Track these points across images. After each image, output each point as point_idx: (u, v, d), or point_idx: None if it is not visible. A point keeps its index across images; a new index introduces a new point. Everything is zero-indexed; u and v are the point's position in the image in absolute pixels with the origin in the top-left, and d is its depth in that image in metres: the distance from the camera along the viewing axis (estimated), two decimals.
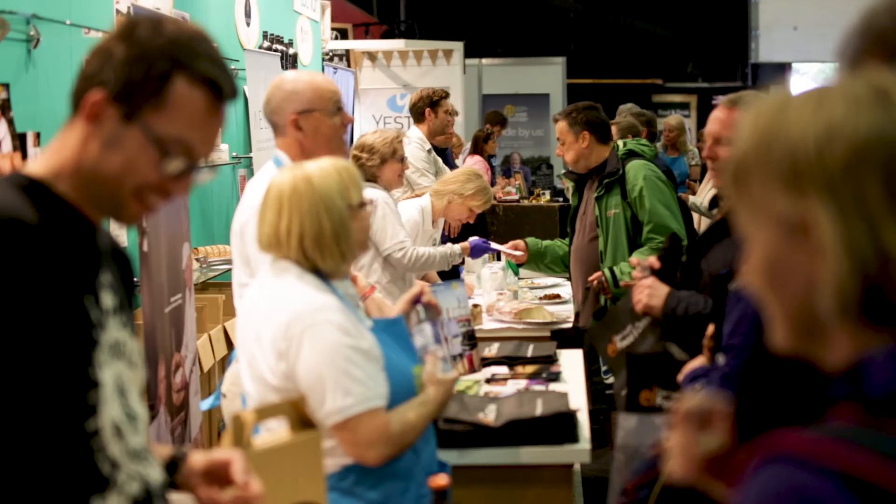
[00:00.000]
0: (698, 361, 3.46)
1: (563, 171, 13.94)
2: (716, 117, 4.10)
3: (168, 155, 2.08)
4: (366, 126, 12.17)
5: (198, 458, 2.39)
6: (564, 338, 5.97)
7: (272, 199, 3.33)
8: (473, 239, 6.59)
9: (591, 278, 6.09)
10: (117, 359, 2.14)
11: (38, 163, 2.14)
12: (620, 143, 6.37)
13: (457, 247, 6.26)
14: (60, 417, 1.99)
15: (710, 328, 3.39)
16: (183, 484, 2.39)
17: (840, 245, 1.30)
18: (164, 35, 2.09)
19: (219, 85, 2.11)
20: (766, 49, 20.86)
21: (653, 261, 4.34)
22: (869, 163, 1.30)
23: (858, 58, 2.03)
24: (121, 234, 5.58)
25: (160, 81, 2.06)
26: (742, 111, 3.97)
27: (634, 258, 4.49)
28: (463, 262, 7.82)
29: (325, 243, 3.28)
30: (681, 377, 3.46)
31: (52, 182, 2.09)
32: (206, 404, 4.45)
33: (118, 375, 2.13)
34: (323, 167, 3.35)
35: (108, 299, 2.14)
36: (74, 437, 2.01)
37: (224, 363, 5.78)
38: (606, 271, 6.00)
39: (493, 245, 6.77)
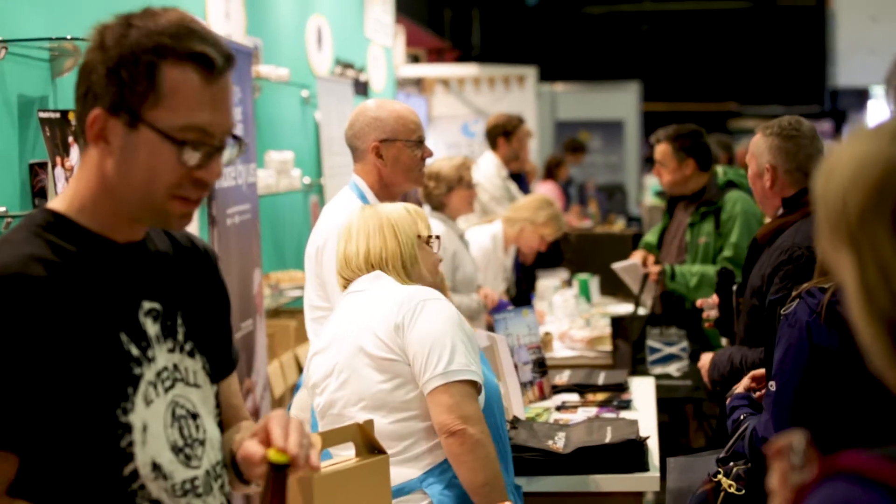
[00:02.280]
0: (741, 387, 3.45)
1: (654, 192, 13.87)
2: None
3: (184, 145, 2.00)
4: (439, 153, 12.20)
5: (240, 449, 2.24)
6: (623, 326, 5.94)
7: (346, 230, 3.53)
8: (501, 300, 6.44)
9: (651, 271, 6.04)
10: (174, 385, 2.13)
11: (61, 198, 2.10)
12: (720, 170, 6.28)
13: (479, 301, 6.13)
14: (92, 468, 2.00)
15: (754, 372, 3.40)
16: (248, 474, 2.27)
17: (860, 294, 1.36)
18: (136, 29, 1.99)
19: (207, 56, 2.01)
20: (844, 73, 20.63)
21: (714, 298, 4.63)
22: (879, 207, 1.34)
23: None
24: None
25: (149, 76, 1.98)
26: (769, 137, 4.03)
27: (700, 300, 4.67)
28: (534, 290, 7.79)
29: (397, 262, 3.45)
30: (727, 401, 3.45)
31: (75, 216, 2.06)
32: None
33: (174, 403, 2.12)
34: (391, 205, 3.58)
35: (150, 328, 2.11)
36: (110, 484, 2.01)
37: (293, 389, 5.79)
38: (667, 267, 5.96)
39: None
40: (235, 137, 2.12)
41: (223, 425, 2.34)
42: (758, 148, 4.06)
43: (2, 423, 1.91)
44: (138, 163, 2.00)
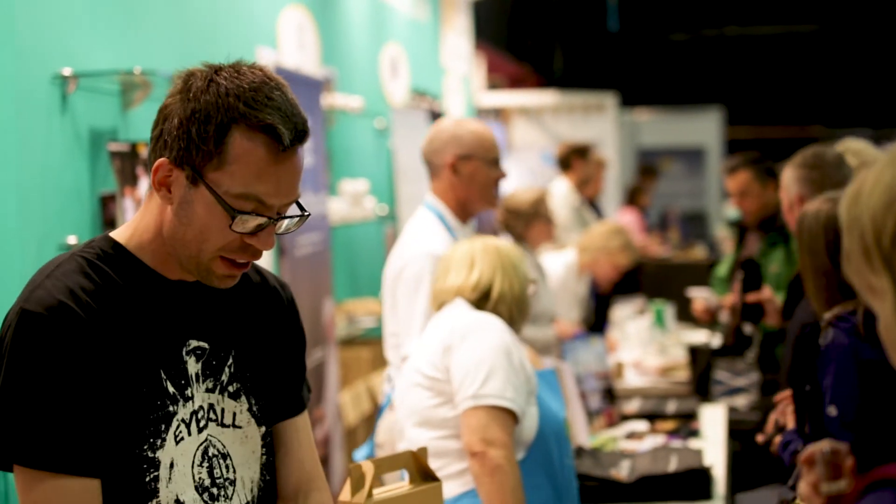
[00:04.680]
0: (769, 426, 3.41)
1: (727, 222, 13.77)
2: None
3: (237, 214, 2.00)
4: (518, 181, 12.18)
5: None
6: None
7: (461, 256, 3.57)
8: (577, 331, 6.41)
9: (726, 302, 6.00)
10: (207, 424, 2.14)
11: (124, 229, 2.14)
12: None
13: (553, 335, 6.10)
14: (117, 502, 2.01)
15: (786, 392, 3.37)
16: None
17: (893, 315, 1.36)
18: (219, 86, 2.00)
19: (277, 131, 1.99)
20: None
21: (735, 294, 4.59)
22: None
23: None
24: None
25: (218, 138, 1.99)
26: (794, 168, 4.03)
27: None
28: (606, 319, 7.75)
29: (506, 300, 3.52)
30: (775, 448, 3.41)
31: (134, 250, 2.10)
32: (360, 454, 4.48)
33: (207, 442, 2.14)
34: (502, 241, 3.69)
35: (191, 367, 2.13)
36: None
37: (373, 417, 5.80)
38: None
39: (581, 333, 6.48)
40: (301, 207, 2.12)
41: (285, 475, 2.33)
42: (785, 181, 4.10)
43: (82, 450, 1.95)
44: (193, 218, 2.02)
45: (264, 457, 2.27)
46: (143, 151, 4.18)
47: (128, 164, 4.07)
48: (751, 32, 22.61)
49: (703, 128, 19.14)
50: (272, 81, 2.05)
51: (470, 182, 4.16)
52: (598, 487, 3.93)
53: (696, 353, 5.85)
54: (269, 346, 2.29)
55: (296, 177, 2.07)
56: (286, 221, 2.09)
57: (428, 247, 4.01)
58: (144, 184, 4.15)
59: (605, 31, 21.62)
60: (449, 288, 3.53)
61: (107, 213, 4.02)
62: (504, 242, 3.64)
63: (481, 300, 3.49)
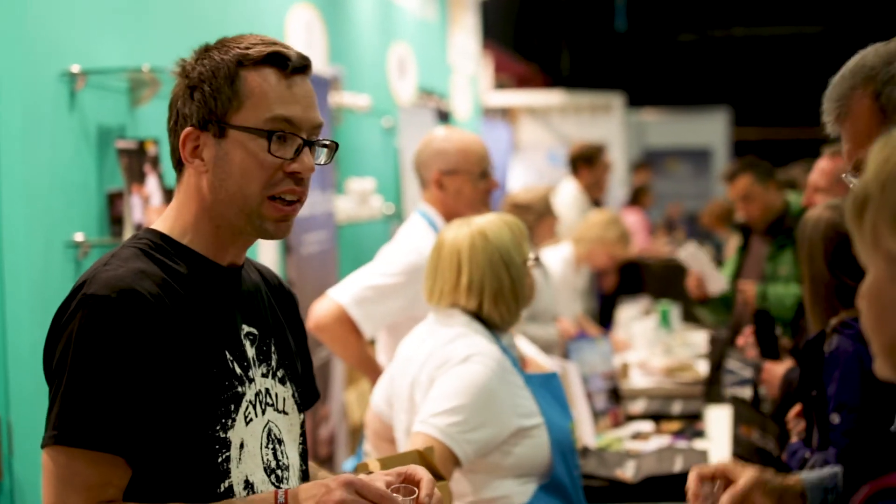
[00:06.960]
0: (793, 439, 3.38)
1: (731, 224, 13.73)
2: (819, 167, 4.13)
3: (272, 137, 2.08)
4: (524, 181, 12.18)
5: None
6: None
7: (448, 255, 3.34)
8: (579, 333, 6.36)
9: (744, 289, 5.97)
10: (266, 409, 2.17)
11: (162, 221, 2.17)
12: (794, 197, 6.21)
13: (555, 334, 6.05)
14: (191, 483, 2.03)
15: (797, 407, 3.33)
16: None
17: None
18: (211, 50, 2.12)
19: (280, 54, 2.11)
20: None
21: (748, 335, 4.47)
22: None
23: (846, 97, 2.33)
24: None
25: (229, 84, 2.08)
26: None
27: (741, 339, 4.56)
28: (612, 319, 7.76)
29: (503, 297, 3.29)
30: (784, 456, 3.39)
31: (179, 238, 2.13)
32: (349, 465, 4.48)
33: (267, 426, 2.17)
34: (494, 223, 3.36)
35: (249, 350, 2.17)
36: (207, 499, 2.04)
37: None
38: (759, 287, 5.87)
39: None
40: (324, 144, 2.18)
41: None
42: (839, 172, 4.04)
43: (117, 430, 1.95)
44: (232, 168, 2.09)
45: (301, 445, 2.32)
46: (151, 149, 4.18)
47: (135, 162, 4.07)
48: (758, 33, 22.59)
49: (709, 129, 19.14)
50: (254, 35, 2.17)
51: (457, 196, 4.16)
52: (604, 488, 3.94)
53: (714, 342, 5.83)
54: (292, 338, 2.36)
55: (312, 98, 2.16)
56: (319, 150, 2.17)
57: (423, 250, 4.01)
58: (152, 181, 4.15)
59: (613, 32, 21.59)
60: (441, 290, 3.35)
61: (114, 211, 4.02)
62: (491, 225, 3.33)
63: (477, 303, 3.29)
